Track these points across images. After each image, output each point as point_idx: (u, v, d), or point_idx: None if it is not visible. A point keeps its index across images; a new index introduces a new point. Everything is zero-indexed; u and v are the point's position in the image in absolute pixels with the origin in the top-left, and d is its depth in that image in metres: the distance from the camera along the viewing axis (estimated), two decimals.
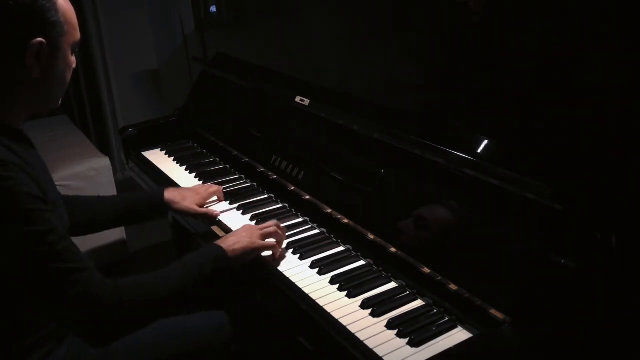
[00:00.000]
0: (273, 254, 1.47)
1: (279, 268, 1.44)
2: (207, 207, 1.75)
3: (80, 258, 1.12)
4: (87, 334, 1.19)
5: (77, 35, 1.22)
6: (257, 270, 1.47)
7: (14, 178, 1.06)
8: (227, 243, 1.39)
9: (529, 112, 1.30)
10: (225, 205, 1.79)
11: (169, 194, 1.70)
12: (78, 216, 1.53)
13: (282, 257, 1.49)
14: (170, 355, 1.38)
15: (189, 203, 1.69)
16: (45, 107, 1.25)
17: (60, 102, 1.28)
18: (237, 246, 1.39)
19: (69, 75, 1.25)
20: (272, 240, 1.48)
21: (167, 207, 1.69)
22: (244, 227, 1.48)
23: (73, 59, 1.25)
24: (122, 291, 1.16)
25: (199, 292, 1.33)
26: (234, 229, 1.64)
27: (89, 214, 1.61)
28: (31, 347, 1.20)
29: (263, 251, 1.46)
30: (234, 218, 1.71)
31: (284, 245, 1.52)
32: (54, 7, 1.15)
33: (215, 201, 1.79)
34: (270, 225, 1.50)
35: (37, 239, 1.07)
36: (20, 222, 1.06)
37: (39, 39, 1.13)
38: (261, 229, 1.47)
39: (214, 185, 1.83)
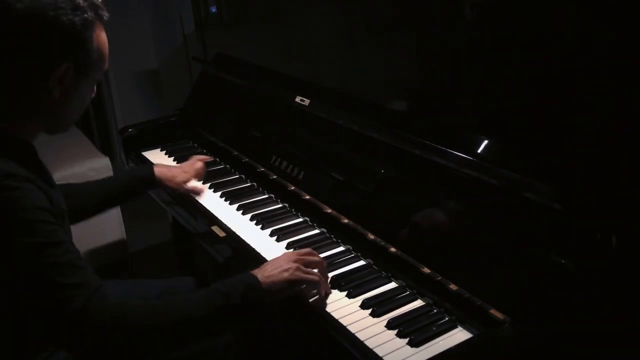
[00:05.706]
0: (317, 290, 1.29)
1: None
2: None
3: (85, 274, 1.06)
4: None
5: (106, 67, 1.20)
6: None
7: (21, 189, 1.04)
8: (263, 272, 1.23)
9: (528, 112, 1.30)
10: (225, 204, 1.80)
11: (160, 172, 1.75)
12: (70, 204, 1.46)
13: (328, 294, 1.30)
14: (171, 357, 1.37)
15: (179, 181, 1.78)
16: (56, 129, 1.22)
17: (70, 127, 1.25)
18: (274, 275, 1.22)
19: (87, 103, 1.22)
20: (315, 272, 1.29)
21: (158, 184, 1.76)
22: (283, 255, 1.31)
23: (94, 88, 1.23)
24: (128, 314, 1.07)
25: (230, 326, 1.24)
26: (233, 228, 1.65)
27: (79, 200, 1.60)
28: (29, 352, 1.19)
29: (304, 284, 1.27)
30: (234, 218, 1.72)
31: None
32: (91, 36, 1.13)
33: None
34: (309, 252, 1.34)
35: (40, 251, 1.03)
36: (24, 233, 1.03)
37: (67, 64, 1.10)
38: (300, 255, 1.30)
39: (198, 161, 1.89)
